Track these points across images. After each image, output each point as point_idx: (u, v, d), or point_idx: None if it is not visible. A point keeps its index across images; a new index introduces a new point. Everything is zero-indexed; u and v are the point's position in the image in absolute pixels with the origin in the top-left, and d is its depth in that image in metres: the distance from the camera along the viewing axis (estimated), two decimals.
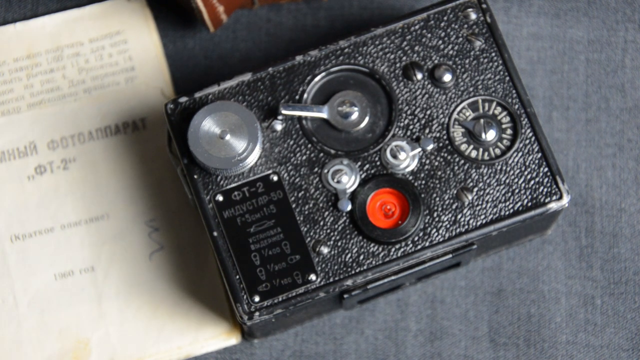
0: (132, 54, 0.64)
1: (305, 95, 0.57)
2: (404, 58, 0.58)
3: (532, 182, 0.56)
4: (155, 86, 0.63)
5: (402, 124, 0.57)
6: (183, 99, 0.57)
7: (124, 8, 0.64)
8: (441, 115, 0.57)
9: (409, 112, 0.57)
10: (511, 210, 0.56)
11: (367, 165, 0.57)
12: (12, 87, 0.63)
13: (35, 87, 0.63)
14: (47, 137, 0.62)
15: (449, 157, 0.57)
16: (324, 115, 0.57)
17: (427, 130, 0.57)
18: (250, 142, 0.56)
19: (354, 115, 0.57)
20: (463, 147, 0.57)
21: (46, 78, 0.63)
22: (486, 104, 0.57)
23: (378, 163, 0.57)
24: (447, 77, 0.57)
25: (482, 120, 0.57)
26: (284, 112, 0.56)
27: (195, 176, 0.56)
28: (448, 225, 0.56)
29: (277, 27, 0.64)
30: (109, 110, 0.63)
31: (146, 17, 0.64)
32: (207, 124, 0.56)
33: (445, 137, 0.57)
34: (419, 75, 0.57)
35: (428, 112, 0.57)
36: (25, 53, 0.63)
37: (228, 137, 0.55)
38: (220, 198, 0.56)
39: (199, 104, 0.57)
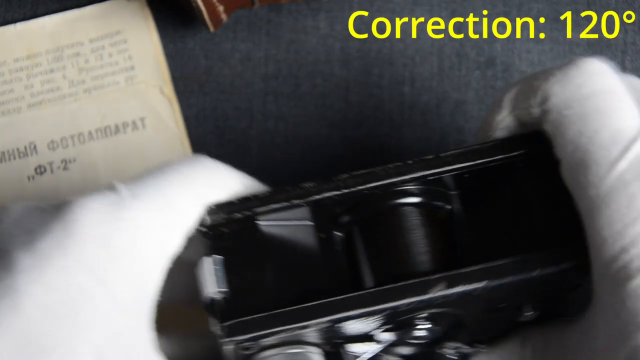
0: (132, 54, 0.64)
1: None
2: None
3: None
4: (155, 86, 0.63)
5: None
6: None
7: (124, 8, 0.64)
8: None
9: None
10: None
11: None
12: (12, 87, 0.63)
13: (35, 87, 0.63)
14: (47, 138, 0.62)
15: None
16: None
17: None
18: None
19: None
20: None
21: (46, 78, 0.63)
22: None
23: None
24: None
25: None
26: None
27: None
28: None
29: (278, 27, 0.64)
30: (109, 110, 0.63)
31: (146, 17, 0.64)
32: None
33: None
34: None
35: None
36: (26, 53, 0.63)
37: None
38: None
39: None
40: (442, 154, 0.49)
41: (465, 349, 0.53)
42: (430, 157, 0.49)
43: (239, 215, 0.48)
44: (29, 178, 0.62)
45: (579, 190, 0.46)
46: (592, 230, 0.46)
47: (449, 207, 0.50)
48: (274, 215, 0.49)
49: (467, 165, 0.49)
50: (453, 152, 0.49)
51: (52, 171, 0.62)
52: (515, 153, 0.49)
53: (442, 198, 0.50)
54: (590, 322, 0.47)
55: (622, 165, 0.45)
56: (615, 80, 0.48)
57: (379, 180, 0.48)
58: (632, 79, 0.50)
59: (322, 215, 0.49)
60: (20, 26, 0.64)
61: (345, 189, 0.48)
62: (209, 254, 0.48)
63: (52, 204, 0.48)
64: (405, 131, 0.63)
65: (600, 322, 0.46)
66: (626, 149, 0.46)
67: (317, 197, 0.48)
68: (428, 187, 0.49)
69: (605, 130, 0.46)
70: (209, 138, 0.63)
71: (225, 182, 0.49)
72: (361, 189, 0.48)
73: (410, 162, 0.49)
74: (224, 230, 0.49)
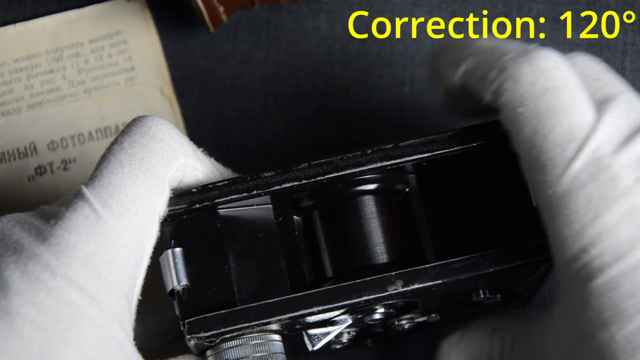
0: (132, 54, 0.64)
1: None
2: None
3: None
4: (155, 86, 0.63)
5: None
6: None
7: (124, 8, 0.64)
8: None
9: None
10: None
11: None
12: (12, 87, 0.63)
13: (35, 88, 0.63)
14: (47, 138, 0.62)
15: None
16: None
17: None
18: None
19: None
20: None
21: (46, 78, 0.63)
22: None
23: None
24: None
25: None
26: None
27: None
28: None
29: (278, 28, 0.64)
30: (108, 111, 0.63)
31: (146, 17, 0.64)
32: None
33: None
34: None
35: None
36: (25, 54, 0.63)
37: None
38: None
39: None
40: (401, 144, 0.49)
41: (419, 318, 0.54)
42: (390, 146, 0.49)
43: (198, 205, 0.49)
44: (29, 178, 0.62)
45: (536, 188, 0.47)
46: (552, 229, 0.46)
47: (407, 189, 0.51)
48: (233, 202, 0.50)
49: (426, 156, 0.49)
50: (412, 141, 0.49)
51: (52, 172, 0.62)
52: (474, 144, 0.49)
53: (400, 181, 0.51)
54: (556, 318, 0.47)
55: (578, 164, 0.45)
56: (568, 74, 0.48)
57: (338, 171, 0.49)
58: (581, 59, 0.50)
59: (282, 199, 0.50)
60: (20, 26, 0.64)
61: (305, 179, 0.49)
62: (168, 245, 0.49)
63: (31, 214, 0.48)
64: (405, 132, 0.63)
65: (565, 318, 0.46)
66: (581, 147, 0.46)
67: (277, 187, 0.49)
68: (386, 175, 0.50)
69: (559, 128, 0.46)
70: (209, 139, 0.63)
71: (175, 150, 0.49)
72: (320, 179, 0.49)
73: (369, 151, 0.49)
74: (183, 218, 0.49)
